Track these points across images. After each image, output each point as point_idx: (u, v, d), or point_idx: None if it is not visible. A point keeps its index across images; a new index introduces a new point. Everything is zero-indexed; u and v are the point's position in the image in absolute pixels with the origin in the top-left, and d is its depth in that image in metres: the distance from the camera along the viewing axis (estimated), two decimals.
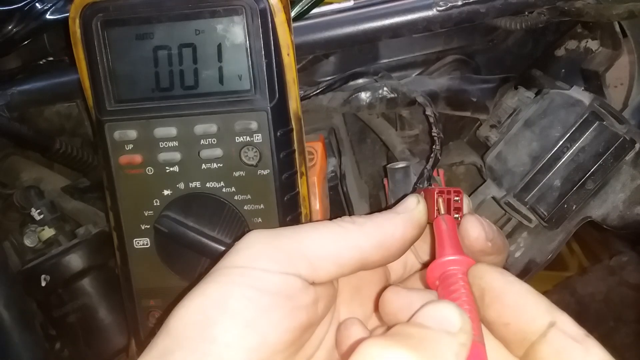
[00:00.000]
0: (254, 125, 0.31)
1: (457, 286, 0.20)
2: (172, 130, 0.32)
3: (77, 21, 0.31)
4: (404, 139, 0.46)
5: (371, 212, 0.46)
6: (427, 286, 0.23)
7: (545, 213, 0.39)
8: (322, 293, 0.22)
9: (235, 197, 0.32)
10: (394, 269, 0.27)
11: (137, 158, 0.32)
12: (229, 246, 0.31)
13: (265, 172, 0.32)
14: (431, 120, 0.40)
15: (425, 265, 0.27)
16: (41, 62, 0.48)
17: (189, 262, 0.32)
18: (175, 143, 0.32)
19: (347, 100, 0.43)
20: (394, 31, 0.42)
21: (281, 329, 0.19)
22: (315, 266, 0.21)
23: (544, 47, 0.49)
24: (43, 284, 0.42)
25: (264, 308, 0.19)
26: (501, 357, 0.19)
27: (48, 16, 0.45)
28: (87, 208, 0.49)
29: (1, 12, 0.45)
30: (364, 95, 0.43)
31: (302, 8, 0.42)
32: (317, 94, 0.44)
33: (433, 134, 0.40)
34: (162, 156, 0.32)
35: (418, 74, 0.48)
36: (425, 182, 0.37)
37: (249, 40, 0.31)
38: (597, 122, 0.38)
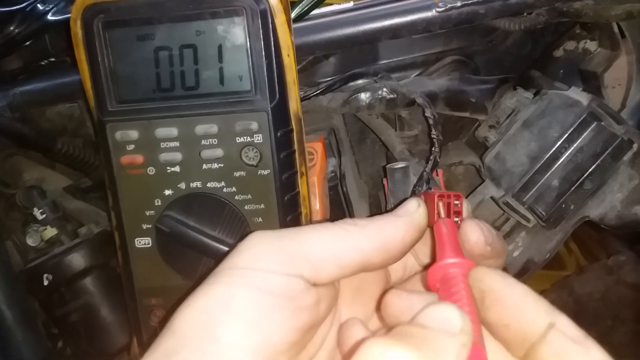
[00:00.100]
0: (254, 125, 0.31)
1: (458, 288, 0.20)
2: (173, 131, 0.32)
3: (79, 22, 0.31)
4: (403, 139, 0.46)
5: (371, 212, 0.46)
6: (427, 288, 0.23)
7: (543, 213, 0.39)
8: (324, 294, 0.22)
9: (236, 197, 0.32)
10: (394, 270, 0.27)
11: (139, 158, 0.32)
12: (230, 246, 0.31)
13: (266, 172, 0.32)
14: (430, 122, 0.40)
15: (425, 267, 0.28)
16: (43, 63, 0.49)
17: (190, 262, 0.33)
18: (177, 143, 0.32)
19: (346, 101, 0.43)
20: (394, 32, 0.42)
21: (284, 329, 0.20)
22: (317, 267, 0.21)
23: (542, 48, 0.49)
24: (45, 283, 0.42)
25: (268, 309, 0.20)
26: (501, 358, 0.20)
27: (49, 17, 0.45)
28: (89, 208, 0.49)
29: (3, 13, 0.45)
30: (364, 96, 0.43)
31: (302, 9, 0.42)
32: (317, 95, 0.44)
33: (432, 136, 0.40)
34: (164, 156, 0.32)
35: (417, 75, 0.48)
36: (425, 185, 0.37)
37: (249, 41, 0.31)
38: (595, 123, 0.38)
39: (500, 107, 0.44)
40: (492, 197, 0.42)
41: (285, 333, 0.20)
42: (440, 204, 0.24)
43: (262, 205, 0.32)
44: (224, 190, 0.32)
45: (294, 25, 0.34)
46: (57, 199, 0.48)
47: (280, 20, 0.31)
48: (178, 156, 0.32)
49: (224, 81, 0.32)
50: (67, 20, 0.32)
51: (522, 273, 0.43)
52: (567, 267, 0.94)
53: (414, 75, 0.48)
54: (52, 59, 0.49)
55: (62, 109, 0.48)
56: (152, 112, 0.32)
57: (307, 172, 0.34)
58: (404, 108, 0.45)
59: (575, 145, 0.38)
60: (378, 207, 0.48)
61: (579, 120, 0.38)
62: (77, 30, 0.32)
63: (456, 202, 0.25)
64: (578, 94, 0.40)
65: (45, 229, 0.45)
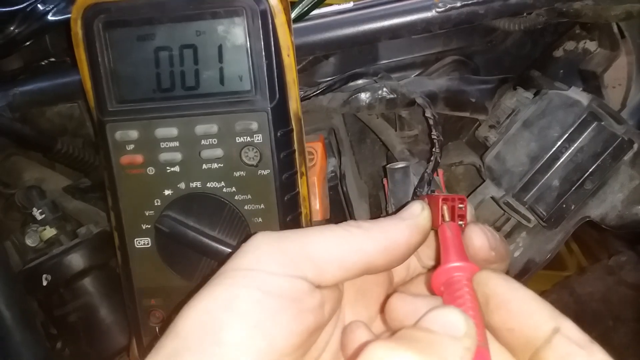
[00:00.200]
0: (254, 125, 0.31)
1: (462, 292, 0.20)
2: (173, 131, 0.32)
3: (79, 22, 0.31)
4: (403, 139, 0.46)
5: (371, 212, 0.46)
6: (432, 292, 0.23)
7: (544, 213, 0.39)
8: (328, 296, 0.22)
9: (236, 197, 0.32)
10: (397, 272, 0.27)
11: (138, 158, 0.32)
12: (230, 246, 0.31)
13: (266, 172, 0.32)
14: (431, 122, 0.40)
15: (428, 270, 0.28)
16: (43, 63, 0.49)
17: (190, 262, 0.32)
18: (176, 143, 0.32)
19: (346, 101, 0.43)
20: (394, 32, 0.42)
21: (289, 332, 0.20)
22: (321, 269, 0.21)
23: (542, 48, 0.49)
24: (44, 283, 0.42)
25: (272, 311, 0.19)
26: None
27: (50, 17, 0.45)
28: (88, 208, 0.49)
29: (3, 13, 0.45)
30: (364, 96, 0.43)
31: (302, 9, 0.42)
32: (317, 95, 0.44)
33: (432, 136, 0.40)
34: (163, 156, 0.32)
35: (417, 75, 0.48)
36: (426, 186, 0.37)
37: (249, 41, 0.31)
38: (596, 123, 0.38)
39: (501, 107, 0.44)
40: (492, 197, 0.42)
41: (289, 335, 0.20)
42: (445, 207, 0.24)
43: (262, 206, 0.32)
44: (224, 190, 0.32)
45: (294, 25, 0.34)
46: (57, 199, 0.48)
47: (280, 20, 0.31)
48: (178, 156, 0.32)
49: (224, 81, 0.32)
50: (68, 21, 0.32)
51: (523, 273, 0.43)
52: (567, 268, 0.94)
53: (414, 75, 0.48)
54: (53, 59, 0.49)
55: (62, 109, 0.48)
56: (152, 112, 0.32)
57: (307, 172, 0.34)
58: (404, 108, 0.45)
59: (575, 145, 0.38)
60: (378, 207, 0.48)
61: (579, 120, 0.38)
62: (77, 30, 0.32)
63: (460, 205, 0.25)
64: (578, 94, 0.40)
65: (45, 229, 0.45)
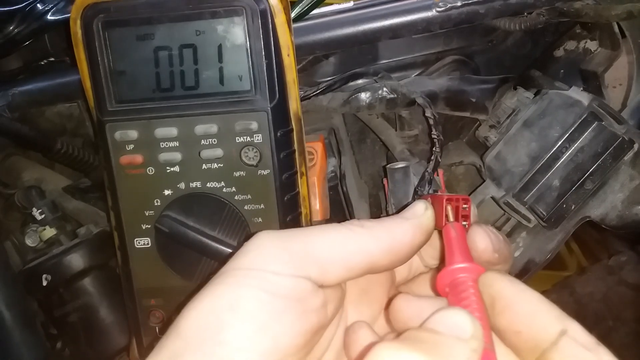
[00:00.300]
0: (254, 125, 0.31)
1: (468, 293, 0.20)
2: (173, 131, 0.32)
3: (78, 22, 0.31)
4: (404, 139, 0.46)
5: (371, 212, 0.46)
6: (436, 293, 0.23)
7: (544, 213, 0.39)
8: (331, 296, 0.22)
9: (236, 197, 0.32)
10: (399, 271, 0.27)
11: (138, 158, 0.32)
12: (230, 246, 0.31)
13: (266, 172, 0.32)
14: (431, 122, 0.40)
15: (430, 269, 0.28)
16: (42, 63, 0.49)
17: (190, 262, 0.32)
18: (176, 143, 0.32)
19: (347, 101, 0.43)
20: (394, 32, 0.42)
21: (293, 332, 0.19)
22: (324, 269, 0.21)
23: (543, 48, 0.49)
24: (44, 283, 0.42)
25: (276, 311, 0.19)
26: None
27: (49, 17, 0.45)
28: (88, 208, 0.49)
29: (2, 13, 0.45)
30: (364, 96, 0.43)
31: (302, 9, 0.42)
32: (317, 95, 0.44)
33: (433, 136, 0.40)
34: (163, 156, 0.32)
35: (417, 75, 0.48)
36: (427, 185, 0.37)
37: (249, 41, 0.31)
38: (596, 123, 0.38)
39: (501, 107, 0.44)
40: (492, 197, 0.42)
41: (293, 335, 0.19)
42: (449, 208, 0.24)
43: (262, 206, 0.32)
44: (224, 190, 0.32)
45: (294, 25, 0.34)
46: (56, 199, 0.48)
47: (280, 20, 0.31)
48: (178, 156, 0.32)
49: (223, 81, 0.32)
50: (67, 20, 0.32)
51: (523, 273, 0.43)
52: (568, 268, 0.94)
53: (414, 75, 0.48)
54: (52, 59, 0.49)
55: (61, 109, 0.48)
56: (152, 112, 0.32)
57: (307, 172, 0.34)
58: (404, 108, 0.44)
59: (576, 145, 0.38)
60: (378, 207, 0.48)
61: (580, 120, 0.38)
62: (76, 30, 0.31)
63: (464, 205, 0.24)
64: (579, 94, 0.40)
65: (44, 229, 0.45)
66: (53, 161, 0.50)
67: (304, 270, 0.21)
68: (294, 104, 0.32)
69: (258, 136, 0.31)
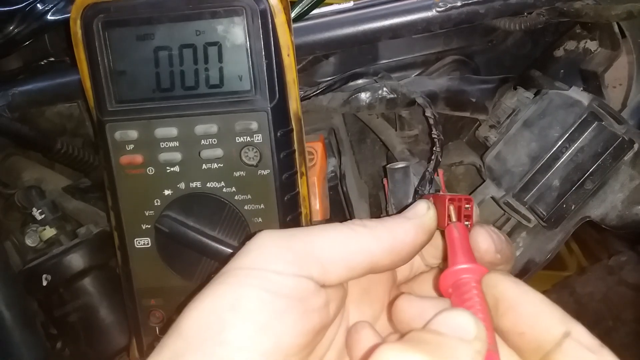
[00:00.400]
0: (254, 125, 0.31)
1: (471, 294, 0.20)
2: (173, 131, 0.32)
3: (78, 22, 0.31)
4: (404, 139, 0.46)
5: (371, 212, 0.46)
6: (439, 293, 0.23)
7: (544, 213, 0.39)
8: (333, 295, 0.22)
9: (236, 197, 0.32)
10: (400, 270, 0.27)
11: (138, 158, 0.32)
12: (230, 246, 0.31)
13: (266, 172, 0.32)
14: (431, 121, 0.40)
15: (431, 268, 0.28)
16: (42, 63, 0.49)
17: (190, 262, 0.32)
18: (176, 143, 0.32)
19: (347, 101, 0.43)
20: (394, 32, 0.42)
21: (295, 332, 0.19)
22: (326, 269, 0.21)
23: (543, 48, 0.49)
24: (44, 283, 0.42)
25: (278, 311, 0.19)
26: None
27: (49, 17, 0.45)
28: (88, 208, 0.49)
29: (2, 13, 0.45)
30: (364, 96, 0.43)
31: (302, 9, 0.42)
32: (317, 95, 0.44)
33: (433, 136, 0.40)
34: (163, 156, 0.32)
35: (417, 75, 0.48)
36: (427, 185, 0.37)
37: (249, 41, 0.31)
38: (596, 123, 0.38)
39: (501, 107, 0.44)
40: (492, 197, 0.42)
41: (295, 335, 0.19)
42: (452, 208, 0.24)
43: (262, 205, 0.32)
44: (224, 190, 0.32)
45: (294, 25, 0.34)
46: (56, 199, 0.48)
47: (280, 20, 0.31)
48: (177, 156, 0.32)
49: (223, 81, 0.32)
50: (67, 20, 0.32)
51: (523, 273, 0.43)
52: (568, 268, 0.94)
53: (414, 75, 0.48)
54: (52, 59, 0.49)
55: (61, 109, 0.48)
56: (152, 112, 0.32)
57: (307, 172, 0.34)
58: (404, 108, 0.44)
59: (576, 145, 0.38)
60: (378, 207, 0.48)
61: (580, 120, 0.38)
62: (76, 30, 0.31)
63: (467, 205, 0.24)
64: (579, 94, 0.40)
65: (44, 229, 0.45)
66: (53, 161, 0.50)
67: (306, 270, 0.21)
68: (294, 104, 0.32)
69: (258, 136, 0.31)
